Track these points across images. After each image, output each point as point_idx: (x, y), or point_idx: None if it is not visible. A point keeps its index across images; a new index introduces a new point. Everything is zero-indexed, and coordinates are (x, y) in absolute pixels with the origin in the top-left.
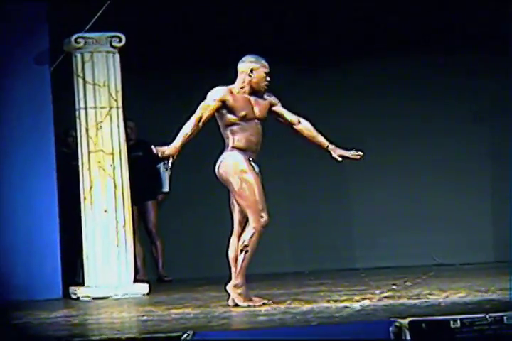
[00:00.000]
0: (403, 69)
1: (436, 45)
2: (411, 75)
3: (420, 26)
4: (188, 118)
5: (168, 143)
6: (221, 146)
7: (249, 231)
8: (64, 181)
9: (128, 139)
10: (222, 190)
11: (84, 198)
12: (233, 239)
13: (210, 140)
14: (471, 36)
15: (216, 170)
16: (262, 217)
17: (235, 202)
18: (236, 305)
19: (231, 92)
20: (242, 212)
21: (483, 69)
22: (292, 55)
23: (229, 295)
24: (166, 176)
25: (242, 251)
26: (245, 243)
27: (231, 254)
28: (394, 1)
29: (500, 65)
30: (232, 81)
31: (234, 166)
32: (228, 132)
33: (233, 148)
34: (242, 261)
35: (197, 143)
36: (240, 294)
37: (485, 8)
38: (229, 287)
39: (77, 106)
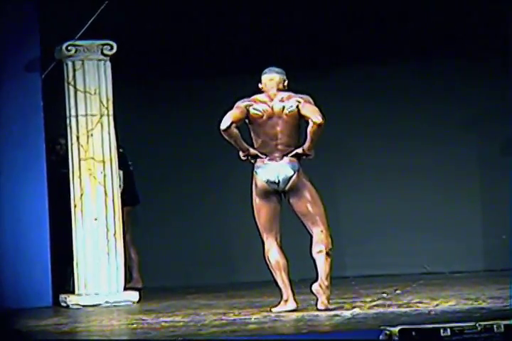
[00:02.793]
0: (393, 75)
1: (426, 52)
2: (401, 81)
3: (411, 33)
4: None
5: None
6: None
7: (325, 235)
8: (52, 189)
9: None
10: (213, 198)
11: (75, 206)
12: (277, 248)
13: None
14: (463, 43)
15: (292, 176)
16: None
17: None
18: (327, 309)
19: None
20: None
21: (473, 76)
22: (281, 61)
23: (317, 299)
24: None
25: (328, 254)
26: (329, 246)
27: (283, 260)
28: (386, 8)
29: (490, 72)
30: (223, 89)
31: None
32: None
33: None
34: (331, 264)
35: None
36: (328, 296)
37: (479, 16)
38: (320, 289)
39: (68, 114)
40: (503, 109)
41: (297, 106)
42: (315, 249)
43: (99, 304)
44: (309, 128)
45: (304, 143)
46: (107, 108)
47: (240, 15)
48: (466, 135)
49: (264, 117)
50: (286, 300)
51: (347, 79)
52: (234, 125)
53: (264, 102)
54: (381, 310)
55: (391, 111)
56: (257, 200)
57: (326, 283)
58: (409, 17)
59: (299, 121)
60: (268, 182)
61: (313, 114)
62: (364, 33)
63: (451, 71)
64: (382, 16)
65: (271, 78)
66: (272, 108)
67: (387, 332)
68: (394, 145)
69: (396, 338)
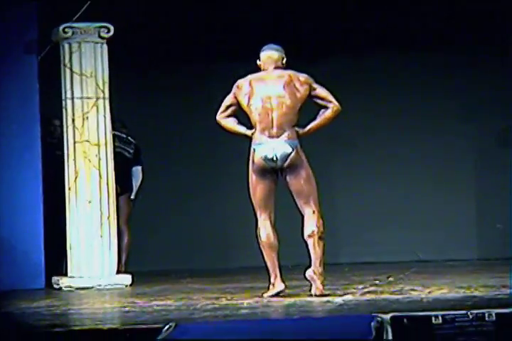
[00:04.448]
0: (390, 65)
1: (422, 42)
2: (399, 72)
3: (407, 23)
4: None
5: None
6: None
7: (316, 216)
8: (48, 171)
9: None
10: (209, 183)
11: (69, 188)
12: (269, 226)
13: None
14: (459, 34)
15: (291, 152)
16: None
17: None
18: (322, 294)
19: None
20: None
21: (469, 67)
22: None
23: (311, 285)
24: (137, 182)
25: (320, 238)
26: (321, 229)
27: (274, 239)
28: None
29: (487, 63)
30: (222, 73)
31: (304, 153)
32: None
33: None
34: (323, 248)
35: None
36: (323, 282)
37: (476, 8)
38: (314, 275)
39: (63, 97)
40: (499, 100)
41: (310, 89)
42: (306, 231)
43: (92, 287)
44: (328, 114)
45: (307, 124)
46: (103, 91)
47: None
48: (461, 125)
49: (256, 95)
50: (273, 284)
51: (344, 68)
52: (224, 115)
53: (262, 80)
54: (373, 296)
55: (388, 101)
56: (253, 177)
57: (320, 269)
58: (403, 7)
59: (302, 102)
60: (266, 159)
61: (334, 99)
62: (360, 22)
63: (448, 62)
64: (377, 6)
65: (269, 55)
66: (270, 83)
67: (379, 319)
68: (390, 135)
69: (387, 325)
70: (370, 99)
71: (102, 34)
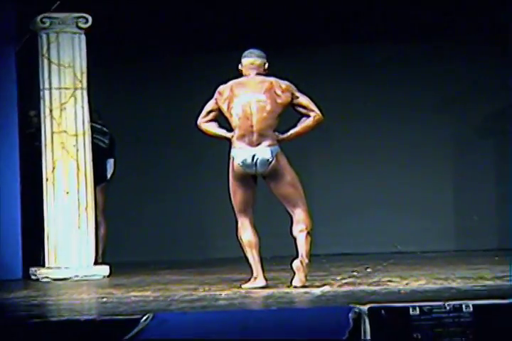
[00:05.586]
0: (369, 56)
1: (401, 34)
2: (376, 62)
3: (386, 16)
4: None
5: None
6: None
7: (305, 215)
8: (26, 162)
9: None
10: (188, 174)
11: (47, 179)
12: (249, 227)
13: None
14: (440, 25)
15: (271, 160)
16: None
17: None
18: (303, 286)
19: None
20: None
21: (448, 58)
22: (258, 39)
23: (293, 276)
24: (109, 173)
25: (309, 233)
26: (310, 227)
27: (255, 239)
28: None
29: (465, 54)
30: (201, 67)
31: (286, 158)
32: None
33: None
34: (311, 243)
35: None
36: (307, 274)
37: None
38: (302, 266)
39: (41, 87)
40: (479, 90)
41: (291, 97)
42: (296, 228)
43: (69, 278)
44: (308, 122)
45: (287, 131)
46: (80, 81)
47: None
48: (441, 116)
49: (236, 101)
50: (255, 278)
51: (323, 58)
52: (205, 120)
53: (243, 85)
54: (351, 288)
55: (367, 91)
56: (233, 183)
57: (307, 260)
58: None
59: (283, 108)
60: (244, 165)
61: (316, 108)
62: (342, 14)
63: (426, 53)
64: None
65: (251, 62)
66: (250, 90)
67: (357, 310)
68: (369, 126)
69: (365, 316)
70: (349, 89)
71: (80, 24)
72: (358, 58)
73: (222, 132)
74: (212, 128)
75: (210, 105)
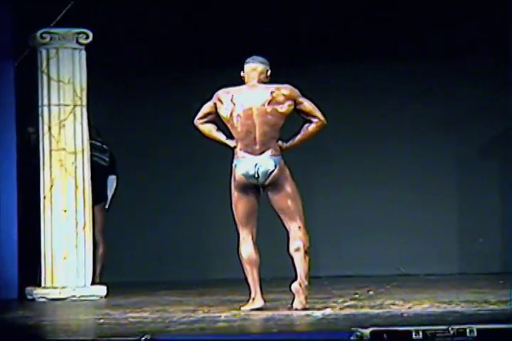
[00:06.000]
0: (371, 74)
1: (405, 51)
2: (379, 81)
3: (389, 33)
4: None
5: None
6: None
7: (302, 231)
8: (23, 179)
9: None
10: (187, 194)
11: (44, 197)
12: (251, 243)
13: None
14: (442, 43)
15: (273, 170)
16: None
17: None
18: (304, 309)
19: None
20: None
21: (453, 76)
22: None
23: (293, 298)
24: (111, 192)
25: (306, 252)
26: (307, 244)
27: (255, 256)
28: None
29: (470, 73)
30: (201, 83)
31: (288, 169)
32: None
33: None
34: (309, 262)
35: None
36: (307, 296)
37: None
38: (301, 288)
39: (40, 104)
40: (483, 110)
41: (294, 103)
42: (292, 246)
43: (66, 298)
44: (311, 128)
45: (291, 138)
46: (80, 98)
47: (221, 6)
48: (444, 137)
49: (238, 112)
50: (253, 299)
51: (325, 77)
52: (201, 121)
53: (244, 96)
54: (353, 311)
55: (370, 111)
56: (235, 194)
57: (306, 282)
58: (387, 17)
59: (285, 118)
60: (247, 175)
61: (320, 114)
62: (342, 31)
63: (431, 71)
64: (362, 14)
65: (253, 68)
66: (252, 101)
67: (358, 334)
68: (371, 146)
69: (367, 340)
70: (351, 108)
71: (81, 40)
72: (359, 77)
73: (223, 138)
74: (212, 131)
75: (207, 107)
